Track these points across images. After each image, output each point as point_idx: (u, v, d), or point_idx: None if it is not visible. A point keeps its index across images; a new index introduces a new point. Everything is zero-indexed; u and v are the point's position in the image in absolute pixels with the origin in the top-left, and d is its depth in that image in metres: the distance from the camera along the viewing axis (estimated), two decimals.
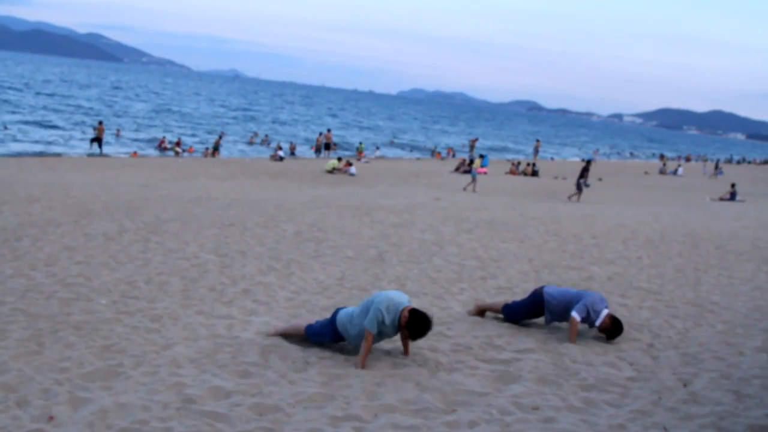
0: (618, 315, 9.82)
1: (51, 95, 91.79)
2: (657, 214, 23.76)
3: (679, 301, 11.37)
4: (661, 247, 16.65)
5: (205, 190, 24.80)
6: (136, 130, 60.75)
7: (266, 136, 50.46)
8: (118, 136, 52.81)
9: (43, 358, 7.64)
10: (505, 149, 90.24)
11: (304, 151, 55.91)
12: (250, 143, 60.86)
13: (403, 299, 7.96)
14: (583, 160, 54.29)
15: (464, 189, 31.93)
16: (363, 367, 7.68)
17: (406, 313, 7.78)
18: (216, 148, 48.64)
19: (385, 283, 11.68)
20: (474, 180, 32.64)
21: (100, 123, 44.19)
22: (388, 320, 7.76)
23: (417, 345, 8.47)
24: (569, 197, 31.18)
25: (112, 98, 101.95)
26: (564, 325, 9.37)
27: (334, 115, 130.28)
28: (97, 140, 42.21)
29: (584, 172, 32.92)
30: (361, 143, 63.15)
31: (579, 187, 31.31)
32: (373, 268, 12.88)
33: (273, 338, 8.56)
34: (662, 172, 60.69)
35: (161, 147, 49.05)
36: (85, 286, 10.61)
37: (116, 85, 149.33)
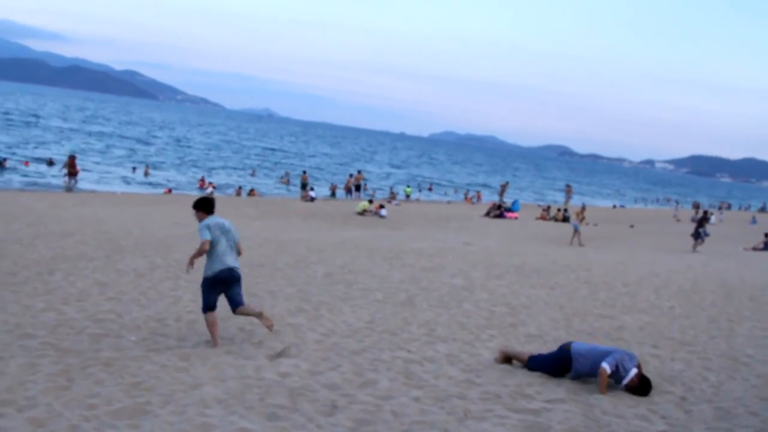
0: (650, 366, 9.70)
1: (99, 134, 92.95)
2: (689, 262, 23.53)
3: (713, 353, 11.20)
4: (693, 296, 16.46)
5: (236, 229, 24.85)
6: (168, 169, 61.33)
7: (304, 174, 50.78)
8: (146, 174, 53.23)
9: (71, 393, 7.64)
10: (536, 194, 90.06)
11: (324, 192, 56.07)
12: (282, 183, 61.23)
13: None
14: (695, 206, 54.31)
15: (570, 244, 30.73)
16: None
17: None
18: (251, 189, 49.02)
19: (414, 328, 11.61)
20: (577, 232, 31.28)
21: (71, 157, 40.63)
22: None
23: (446, 392, 8.40)
24: (693, 247, 30.97)
25: (152, 136, 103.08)
26: (593, 378, 9.25)
27: (364, 157, 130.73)
28: (71, 174, 39.35)
29: (703, 222, 32.60)
30: (408, 186, 63.32)
31: (698, 236, 31.20)
32: (403, 312, 12.83)
33: (301, 380, 8.51)
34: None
35: (200, 186, 49.41)
36: (115, 322, 10.65)
37: (150, 123, 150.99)
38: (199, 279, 10.13)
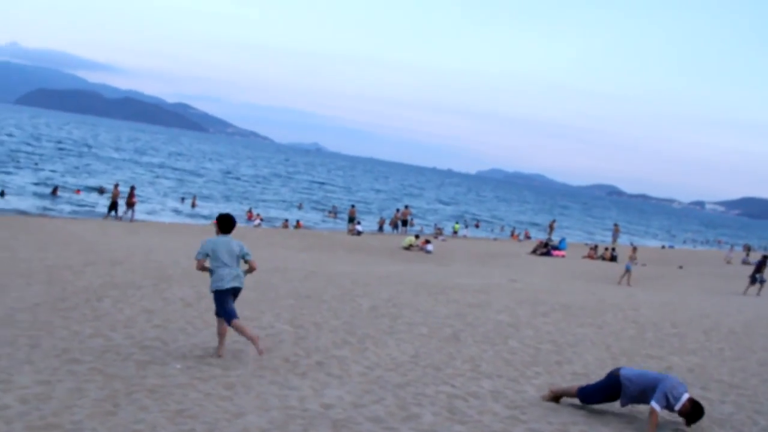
0: None
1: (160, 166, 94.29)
2: (740, 304, 23.15)
3: (763, 397, 10.97)
4: (744, 339, 16.16)
5: (282, 260, 25.01)
6: (216, 201, 61.94)
7: (353, 208, 51.12)
8: (194, 205, 53.79)
9: (117, 419, 7.69)
10: (583, 233, 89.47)
11: (372, 226, 56.15)
12: (329, 216, 61.55)
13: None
14: (746, 248, 53.92)
15: (619, 283, 30.59)
16: None
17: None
18: (297, 221, 49.33)
19: (459, 363, 11.54)
20: (628, 272, 31.32)
21: (116, 186, 42.14)
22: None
23: (490, 428, 8.33)
24: (746, 290, 30.63)
25: (201, 168, 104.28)
26: (641, 408, 9.12)
27: (412, 193, 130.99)
28: (113, 204, 40.22)
29: (761, 267, 32.19)
30: (457, 222, 63.33)
31: (754, 281, 30.85)
32: (448, 347, 12.75)
33: (344, 412, 8.49)
34: (745, 262, 59.32)
35: (249, 218, 49.82)
36: (161, 349, 10.72)
37: (200, 155, 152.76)
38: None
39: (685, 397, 8.75)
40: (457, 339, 13.49)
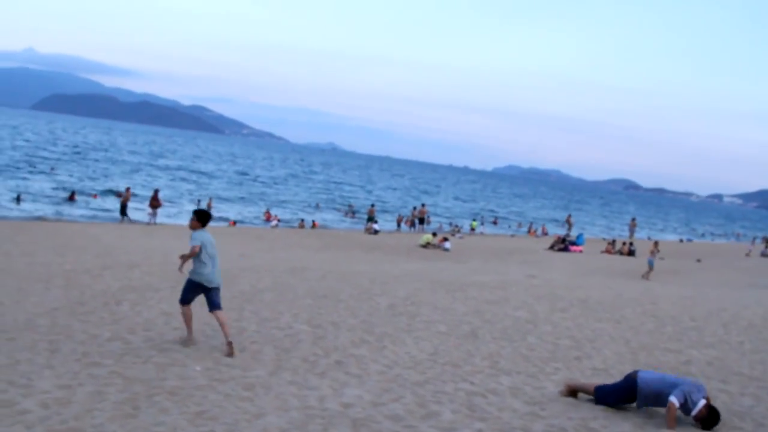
0: (719, 402, 9.50)
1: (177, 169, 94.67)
2: (759, 297, 23.02)
3: None
4: (763, 331, 16.08)
5: (300, 260, 25.05)
6: (233, 202, 62.13)
7: (372, 207, 51.23)
8: (209, 207, 53.95)
9: (137, 421, 7.73)
10: (601, 228, 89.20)
11: (392, 225, 56.14)
12: (346, 216, 61.61)
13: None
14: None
15: (643, 277, 30.60)
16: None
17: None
18: (313, 221, 49.43)
19: (478, 360, 11.54)
20: (651, 268, 31.36)
21: (128, 189, 42.38)
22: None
23: (510, 424, 8.33)
24: None
25: (218, 169, 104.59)
26: (659, 409, 9.09)
27: (429, 191, 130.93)
28: (122, 207, 40.29)
29: None
30: (474, 220, 63.30)
31: None
32: (466, 344, 12.75)
33: (364, 411, 8.51)
34: (764, 254, 58.97)
35: (267, 219, 49.89)
36: (180, 351, 10.76)
37: (217, 156, 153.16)
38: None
39: (702, 403, 8.71)
40: (476, 336, 13.49)
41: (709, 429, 8.68)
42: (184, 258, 11.27)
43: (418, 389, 9.60)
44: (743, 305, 20.23)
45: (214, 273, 11.22)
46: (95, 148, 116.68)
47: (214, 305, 11.28)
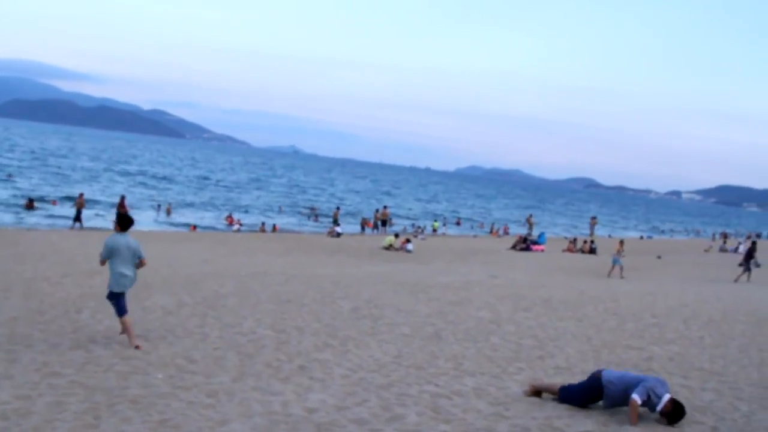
0: (680, 397, 9.58)
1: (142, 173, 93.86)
2: (718, 292, 23.30)
3: (744, 383, 11.06)
4: (723, 326, 16.28)
5: (262, 265, 24.96)
6: (194, 207, 61.77)
7: (337, 210, 51.22)
8: (168, 213, 53.52)
9: (99, 431, 7.65)
10: (562, 227, 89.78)
11: (356, 228, 56.17)
12: (309, 219, 61.48)
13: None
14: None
15: (608, 275, 30.66)
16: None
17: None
18: (274, 225, 49.25)
19: (442, 362, 11.55)
20: (618, 266, 31.13)
21: (81, 195, 41.54)
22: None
23: (474, 426, 8.35)
24: (737, 278, 30.79)
25: (178, 174, 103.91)
26: (624, 408, 9.16)
27: (391, 193, 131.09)
28: (78, 214, 39.63)
29: (752, 252, 32.21)
30: (435, 221, 63.46)
31: (748, 268, 30.93)
32: (430, 346, 12.77)
33: (328, 415, 8.49)
34: (723, 249, 59.72)
35: (230, 223, 49.61)
36: (142, 359, 10.67)
37: (178, 161, 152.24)
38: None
39: (667, 397, 8.80)
40: (439, 337, 13.51)
41: (674, 423, 8.77)
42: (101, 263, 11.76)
43: (383, 392, 9.59)
44: (703, 301, 20.47)
45: (127, 278, 11.64)
46: (54, 154, 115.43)
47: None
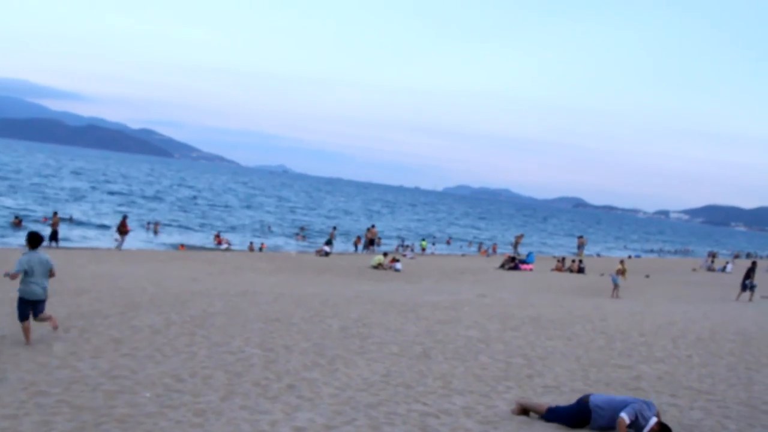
0: (669, 416, 9.59)
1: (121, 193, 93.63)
2: (706, 311, 23.35)
3: (732, 402, 11.08)
4: (711, 345, 16.31)
5: (251, 284, 24.90)
6: (182, 226, 61.66)
7: (334, 229, 51.26)
8: (156, 231, 53.45)
9: None
10: (550, 246, 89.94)
11: (348, 246, 56.25)
12: (298, 239, 61.44)
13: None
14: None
15: (612, 296, 30.61)
16: None
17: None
18: (261, 243, 49.23)
19: (430, 381, 11.54)
20: (616, 286, 31.49)
21: (55, 214, 42.15)
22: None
23: None
24: (738, 296, 30.93)
25: (166, 194, 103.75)
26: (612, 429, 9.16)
27: (380, 212, 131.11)
28: (121, 233, 40.66)
29: (750, 273, 32.30)
30: (423, 240, 63.53)
31: (745, 288, 31.07)
32: (419, 365, 12.75)
33: None
34: (710, 269, 59.90)
35: (218, 243, 49.54)
36: (130, 378, 10.62)
37: (165, 180, 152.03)
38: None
39: (654, 420, 8.81)
40: (428, 356, 13.50)
41: None
42: (10, 275, 12.65)
43: (371, 411, 9.57)
44: (691, 319, 20.51)
45: (40, 289, 12.93)
46: (39, 174, 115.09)
47: (37, 312, 13.04)
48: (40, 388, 9.91)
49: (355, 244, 55.58)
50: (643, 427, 8.79)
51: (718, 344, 16.48)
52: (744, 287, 31.22)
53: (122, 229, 40.91)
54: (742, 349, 16.01)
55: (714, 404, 10.87)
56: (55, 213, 42.15)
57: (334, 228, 55.48)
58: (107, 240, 45.44)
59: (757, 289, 31.82)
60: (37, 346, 12.61)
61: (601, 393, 10.03)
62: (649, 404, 9.01)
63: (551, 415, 9.56)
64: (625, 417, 8.73)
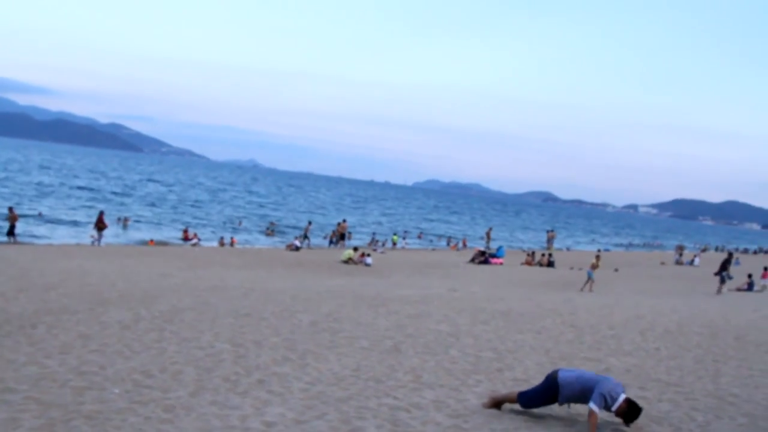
0: None
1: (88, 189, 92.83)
2: (674, 304, 23.54)
3: (699, 394, 11.18)
4: (679, 338, 16.45)
5: (221, 279, 24.82)
6: (151, 221, 61.30)
7: (309, 224, 51.11)
8: (125, 226, 53.17)
9: None
10: (520, 240, 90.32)
11: (319, 241, 56.21)
12: (267, 234, 61.26)
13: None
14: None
15: (581, 290, 30.89)
16: None
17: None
18: (231, 238, 49.02)
19: (401, 375, 11.55)
20: (590, 279, 31.73)
21: (11, 209, 41.50)
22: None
23: None
24: (718, 290, 31.10)
25: (134, 188, 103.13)
26: (582, 410, 9.23)
27: (350, 207, 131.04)
28: (11, 229, 39.48)
29: (726, 264, 32.53)
30: (395, 234, 63.60)
31: (722, 280, 31.29)
32: (389, 359, 12.76)
33: (287, 429, 8.46)
34: (678, 262, 60.41)
35: (185, 238, 49.29)
36: (98, 374, 10.55)
37: (135, 174, 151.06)
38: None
39: (622, 397, 8.90)
40: (398, 351, 13.51)
41: (630, 423, 8.88)
42: None
43: (342, 405, 9.57)
44: (659, 312, 20.67)
45: None
46: (6, 169, 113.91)
47: None
48: (7, 384, 9.81)
49: (331, 239, 55.57)
50: (611, 406, 8.88)
51: (686, 337, 16.63)
52: (723, 279, 31.51)
53: (100, 225, 40.93)
54: (710, 341, 16.16)
55: (682, 396, 10.97)
56: (11, 208, 41.50)
57: (310, 223, 55.37)
58: (79, 236, 45.10)
59: (728, 282, 32.17)
60: (4, 343, 12.49)
61: (570, 368, 10.09)
62: (617, 383, 9.10)
63: (523, 398, 9.62)
64: (595, 408, 8.78)
